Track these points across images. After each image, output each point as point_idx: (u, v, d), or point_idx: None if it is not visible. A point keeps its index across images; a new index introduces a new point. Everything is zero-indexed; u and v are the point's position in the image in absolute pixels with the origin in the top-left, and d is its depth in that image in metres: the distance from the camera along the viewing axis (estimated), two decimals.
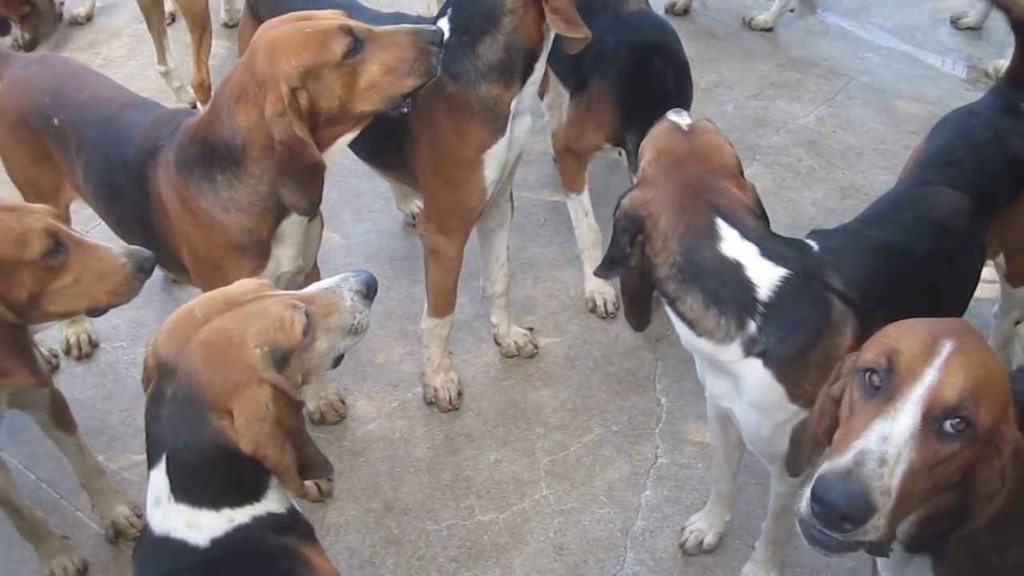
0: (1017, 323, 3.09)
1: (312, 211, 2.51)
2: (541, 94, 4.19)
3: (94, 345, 3.49)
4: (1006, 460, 1.54)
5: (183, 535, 1.73)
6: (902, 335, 1.62)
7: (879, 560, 1.87)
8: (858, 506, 1.46)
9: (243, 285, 1.87)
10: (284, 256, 2.61)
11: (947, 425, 1.52)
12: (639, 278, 2.21)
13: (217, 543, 1.73)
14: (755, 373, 2.10)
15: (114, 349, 3.50)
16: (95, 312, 2.35)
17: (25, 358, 2.20)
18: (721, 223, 2.09)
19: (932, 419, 1.52)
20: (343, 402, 3.25)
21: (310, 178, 2.39)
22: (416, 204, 3.87)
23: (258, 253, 2.56)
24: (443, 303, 3.13)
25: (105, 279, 2.26)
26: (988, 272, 3.54)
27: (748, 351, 2.08)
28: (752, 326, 2.06)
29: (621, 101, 3.10)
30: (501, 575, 2.78)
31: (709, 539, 2.80)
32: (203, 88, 4.25)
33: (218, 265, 2.57)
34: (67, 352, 3.46)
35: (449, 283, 3.08)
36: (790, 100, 4.59)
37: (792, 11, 5.18)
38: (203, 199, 2.48)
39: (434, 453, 3.13)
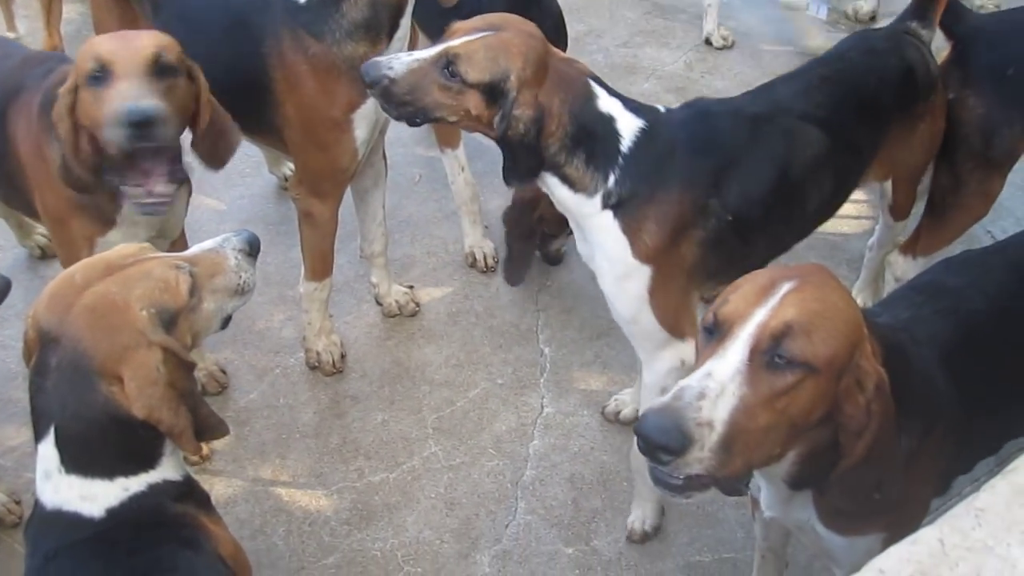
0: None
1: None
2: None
3: None
4: (870, 395, 1.58)
5: (76, 507, 1.69)
6: (744, 282, 1.66)
7: (762, 499, 1.93)
8: (671, 436, 1.49)
9: (123, 249, 1.83)
10: (138, 220, 2.53)
11: (777, 358, 1.54)
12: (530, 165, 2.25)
13: (112, 513, 1.70)
14: (606, 225, 2.27)
15: None
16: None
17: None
18: (592, 83, 2.27)
19: (760, 353, 1.55)
20: (224, 372, 3.20)
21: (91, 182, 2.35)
22: (288, 167, 3.80)
23: (103, 216, 2.50)
24: (320, 266, 3.09)
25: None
26: (858, 208, 3.66)
27: (605, 203, 2.25)
28: (612, 178, 2.24)
29: None
30: (394, 534, 2.79)
31: (626, 412, 3.02)
32: None
33: (63, 219, 2.52)
34: (40, 256, 3.35)
35: (325, 246, 3.05)
36: (659, 47, 4.64)
37: None
38: (54, 148, 2.39)
39: (320, 418, 3.11)
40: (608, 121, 2.24)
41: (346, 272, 3.55)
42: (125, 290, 1.73)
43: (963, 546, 1.16)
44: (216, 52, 2.82)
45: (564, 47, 3.20)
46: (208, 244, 1.97)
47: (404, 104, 2.24)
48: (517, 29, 2.21)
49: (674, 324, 2.38)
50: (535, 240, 3.36)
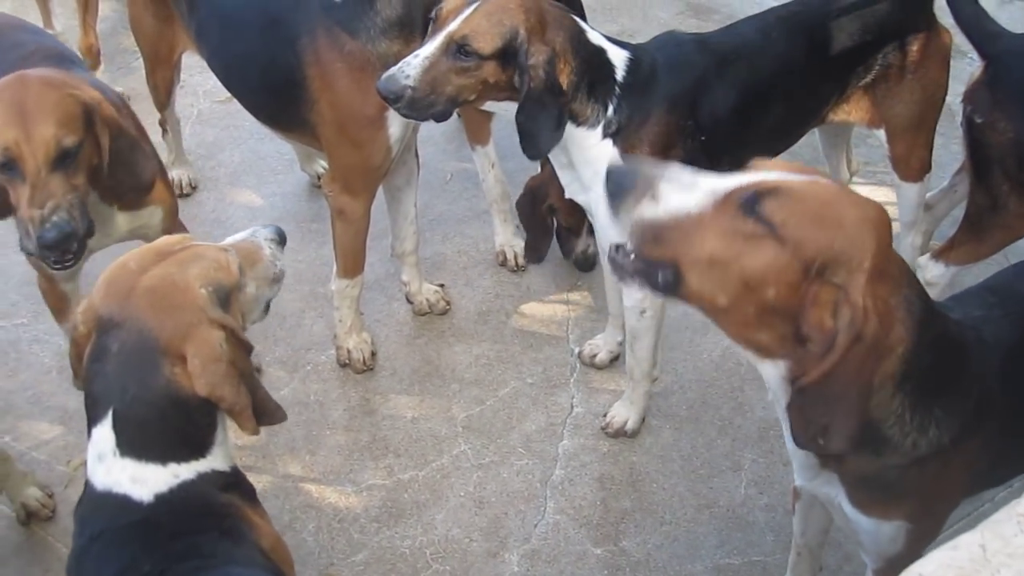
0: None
1: None
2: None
3: None
4: (841, 325, 1.52)
5: (126, 490, 1.71)
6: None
7: (794, 468, 1.97)
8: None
9: (167, 239, 1.88)
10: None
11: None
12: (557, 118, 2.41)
13: (160, 498, 1.72)
14: (606, 152, 2.45)
15: (14, 327, 3.40)
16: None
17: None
18: (576, 20, 2.46)
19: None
20: (259, 369, 3.22)
21: None
22: (321, 165, 3.81)
23: None
24: (352, 264, 3.10)
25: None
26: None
27: (605, 132, 2.45)
28: (610, 108, 2.44)
29: None
30: (422, 531, 2.79)
31: (601, 356, 3.19)
32: (92, 52, 4.12)
33: None
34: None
35: (357, 243, 3.05)
36: None
37: None
38: None
39: (350, 415, 3.11)
40: (601, 53, 2.44)
41: (377, 270, 3.55)
42: (183, 271, 1.78)
43: (1005, 552, 1.14)
44: (250, 50, 2.84)
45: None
46: (241, 235, 2.02)
47: (430, 105, 2.35)
48: None
49: None
50: (550, 227, 3.44)
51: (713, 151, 2.56)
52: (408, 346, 3.32)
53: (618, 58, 2.46)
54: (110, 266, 1.82)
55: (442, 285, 3.45)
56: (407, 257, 3.33)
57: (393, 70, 2.32)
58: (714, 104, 2.58)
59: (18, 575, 2.73)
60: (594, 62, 2.42)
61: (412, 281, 3.40)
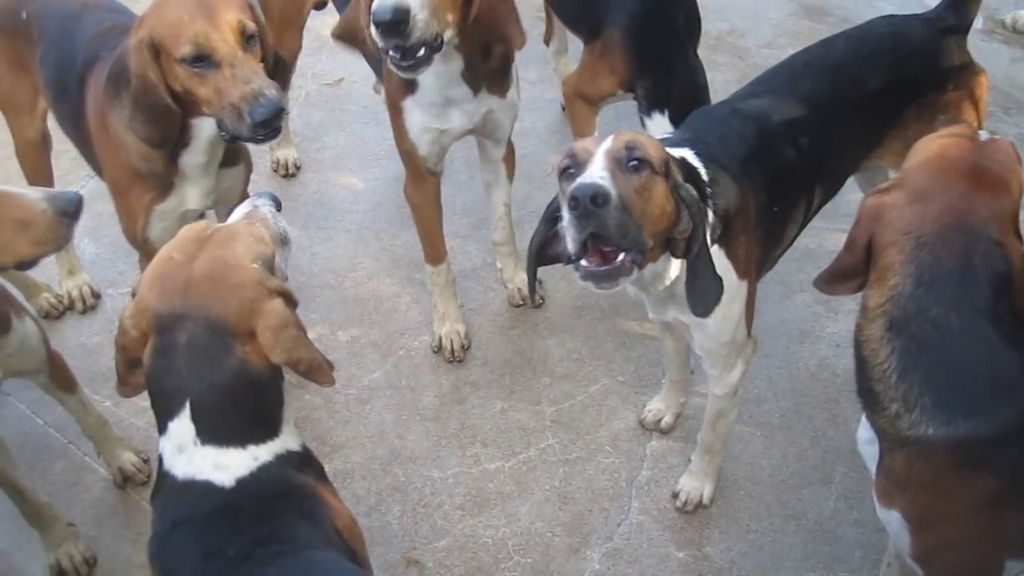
0: None
1: (159, 146, 2.47)
2: (546, 40, 4.15)
3: (96, 296, 3.48)
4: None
5: (208, 476, 1.75)
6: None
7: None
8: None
9: (195, 226, 1.90)
10: (190, 193, 2.63)
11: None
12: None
13: (241, 483, 1.75)
14: (715, 260, 2.20)
15: (121, 295, 3.50)
16: (24, 266, 2.14)
17: None
18: None
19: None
20: None
21: (159, 117, 2.39)
22: None
23: (159, 184, 2.58)
24: (430, 250, 3.17)
25: (27, 229, 2.06)
26: None
27: (712, 239, 2.18)
28: (711, 214, 2.17)
29: (634, 47, 3.06)
30: (506, 523, 2.80)
31: (667, 419, 3.00)
32: None
33: (124, 188, 2.62)
34: (70, 307, 3.44)
35: (426, 229, 3.13)
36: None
37: None
38: (113, 116, 2.49)
39: (440, 401, 3.14)
40: (686, 163, 2.19)
41: (475, 259, 3.57)
42: (231, 251, 1.81)
43: None
44: None
45: (696, 41, 3.16)
46: (240, 210, 2.03)
47: (626, 226, 1.90)
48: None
49: (750, 327, 2.47)
50: None
51: (779, 220, 2.46)
52: (501, 337, 3.33)
53: (694, 160, 2.22)
54: (152, 265, 1.83)
55: (540, 281, 3.44)
56: (500, 247, 3.36)
57: (589, 178, 1.89)
58: (770, 170, 2.39)
59: (113, 536, 2.82)
60: (692, 176, 2.15)
61: (505, 270, 3.41)
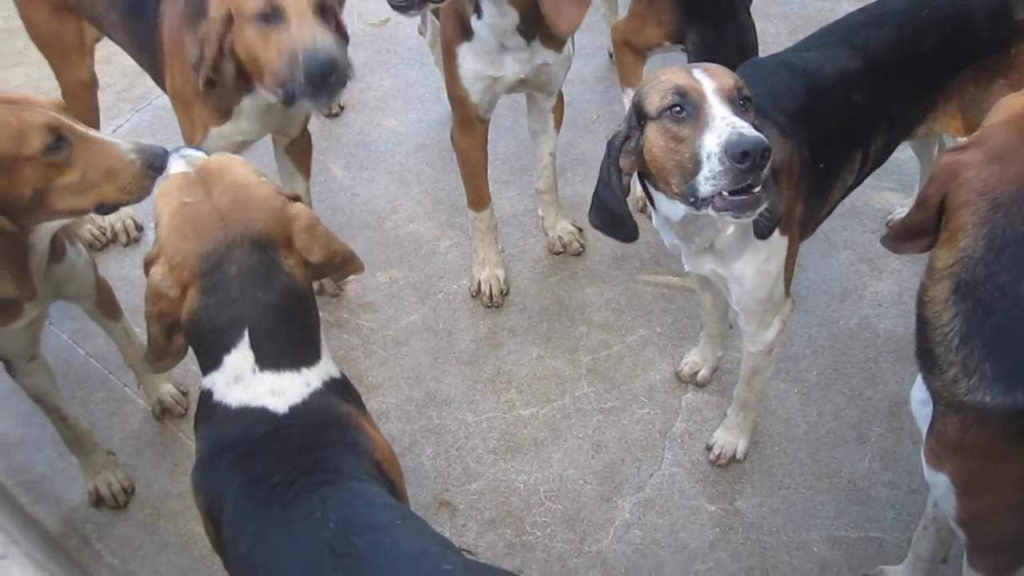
0: None
1: (210, 88, 2.54)
2: None
3: (140, 229, 3.51)
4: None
5: (264, 403, 1.78)
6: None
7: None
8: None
9: (175, 175, 1.91)
10: (247, 125, 2.71)
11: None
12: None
13: (294, 410, 1.78)
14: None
15: None
16: (104, 209, 2.21)
17: (11, 268, 2.09)
18: None
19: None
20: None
21: (218, 76, 2.49)
22: None
23: (220, 108, 2.65)
24: (473, 196, 3.16)
25: (114, 176, 2.14)
26: None
27: None
28: None
29: (682, 0, 3.00)
30: (538, 468, 2.81)
31: (703, 372, 2.99)
32: None
33: (188, 103, 2.69)
34: (114, 239, 3.48)
35: (470, 175, 3.12)
36: (856, 2, 4.43)
37: None
38: (189, 37, 2.52)
39: (477, 346, 3.14)
40: None
41: (516, 205, 3.56)
42: (239, 176, 1.87)
43: None
44: None
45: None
46: (178, 162, 1.98)
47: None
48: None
49: (789, 285, 2.43)
50: None
51: (825, 179, 2.43)
52: (540, 283, 3.33)
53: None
54: (166, 220, 1.81)
55: (580, 229, 3.42)
56: (542, 195, 3.34)
57: (729, 132, 1.90)
58: (818, 129, 2.36)
59: (151, 466, 2.86)
60: None
61: (547, 217, 3.40)
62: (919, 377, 1.94)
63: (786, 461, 2.79)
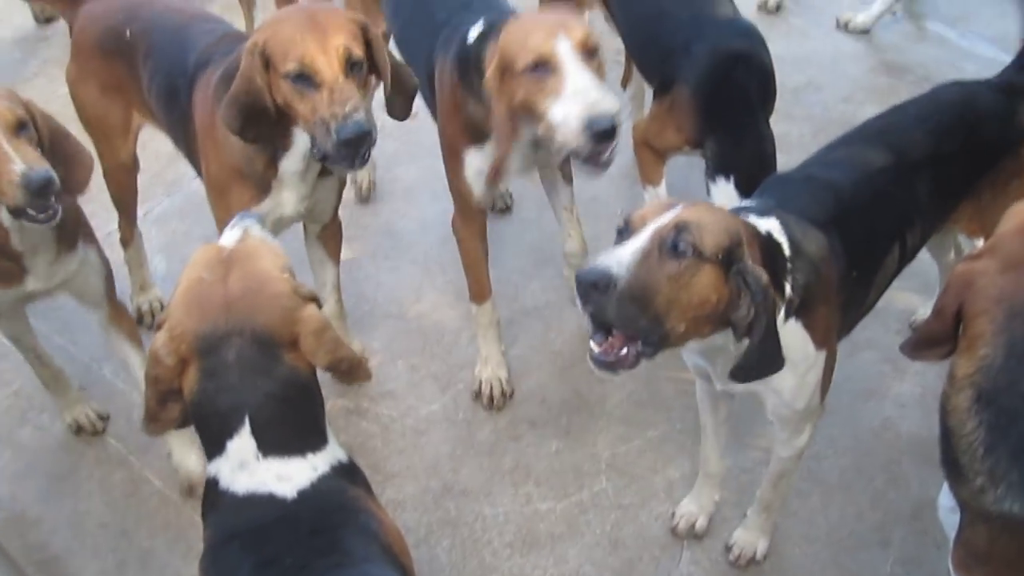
0: None
1: (240, 134, 2.55)
2: (624, 83, 4.16)
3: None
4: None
5: (271, 488, 1.76)
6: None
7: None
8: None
9: (210, 248, 1.93)
10: (287, 198, 2.74)
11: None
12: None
13: (303, 495, 1.77)
14: (791, 332, 2.15)
15: None
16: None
17: None
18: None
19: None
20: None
21: (253, 115, 2.50)
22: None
23: (259, 185, 2.70)
24: (474, 288, 3.18)
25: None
26: None
27: (788, 313, 2.14)
28: (788, 287, 2.12)
29: (702, 108, 3.04)
30: (554, 564, 2.78)
31: (700, 522, 2.84)
32: None
33: (224, 187, 2.74)
34: (140, 321, 3.47)
35: (471, 264, 3.15)
36: (880, 106, 4.42)
37: (894, 14, 5.06)
38: (220, 118, 2.57)
39: (496, 437, 3.13)
40: (770, 238, 2.12)
41: (538, 297, 3.57)
42: (259, 266, 1.85)
43: None
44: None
45: (770, 109, 3.13)
46: (234, 232, 2.01)
47: (634, 316, 1.90)
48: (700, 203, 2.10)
49: (825, 394, 2.41)
50: None
51: (858, 285, 2.41)
52: (560, 377, 3.32)
53: (776, 232, 2.15)
54: (180, 290, 1.84)
55: None
56: (570, 258, 3.39)
57: (596, 258, 1.92)
58: (848, 237, 2.33)
59: (165, 549, 2.85)
60: (773, 252, 2.09)
61: (570, 278, 3.41)
62: (946, 484, 1.91)
63: (807, 563, 2.75)
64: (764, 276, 1.96)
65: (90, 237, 2.73)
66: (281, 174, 2.68)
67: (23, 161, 2.33)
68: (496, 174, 2.74)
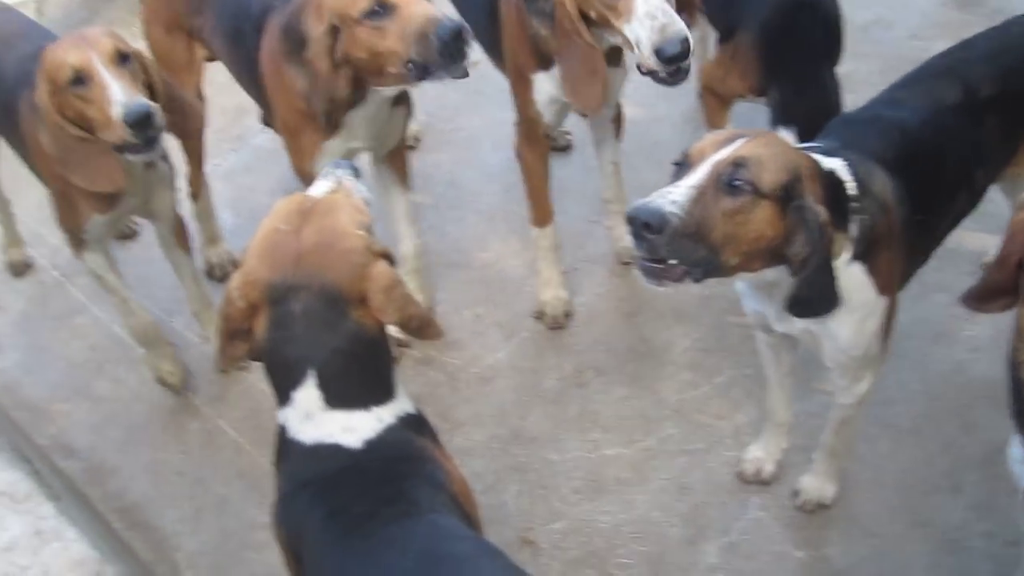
0: None
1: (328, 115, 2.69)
2: (688, 26, 4.10)
3: (235, 264, 3.58)
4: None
5: (337, 439, 1.80)
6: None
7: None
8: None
9: (294, 198, 1.94)
10: (357, 134, 2.84)
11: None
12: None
13: (369, 444, 1.80)
14: (854, 275, 2.13)
15: None
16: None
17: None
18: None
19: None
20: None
21: (332, 101, 2.63)
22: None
23: (330, 122, 2.75)
24: (537, 212, 3.20)
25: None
26: None
27: (854, 255, 2.11)
28: (853, 229, 2.09)
29: (765, 56, 2.99)
30: (622, 509, 2.80)
31: (768, 468, 2.83)
32: None
33: (295, 128, 2.82)
34: (209, 273, 3.58)
35: (534, 188, 3.17)
36: (951, 42, 4.29)
37: None
38: (291, 66, 2.67)
39: (562, 385, 3.15)
40: (833, 175, 2.08)
41: (603, 245, 3.56)
42: (336, 221, 1.85)
43: None
44: None
45: (836, 57, 3.07)
46: (326, 180, 2.04)
47: (691, 251, 1.89)
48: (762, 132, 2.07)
49: (887, 343, 2.38)
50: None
51: (921, 230, 2.36)
52: (626, 323, 3.32)
53: (842, 171, 2.11)
54: (257, 237, 1.87)
55: None
56: (609, 205, 3.43)
57: (651, 196, 1.89)
58: (913, 179, 2.28)
59: (240, 497, 2.93)
60: (836, 191, 2.06)
61: (615, 227, 3.46)
62: (1016, 435, 1.89)
63: (876, 508, 2.73)
64: (823, 213, 1.94)
65: (164, 153, 2.84)
66: (352, 118, 2.76)
67: (123, 92, 2.44)
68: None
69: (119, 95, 2.46)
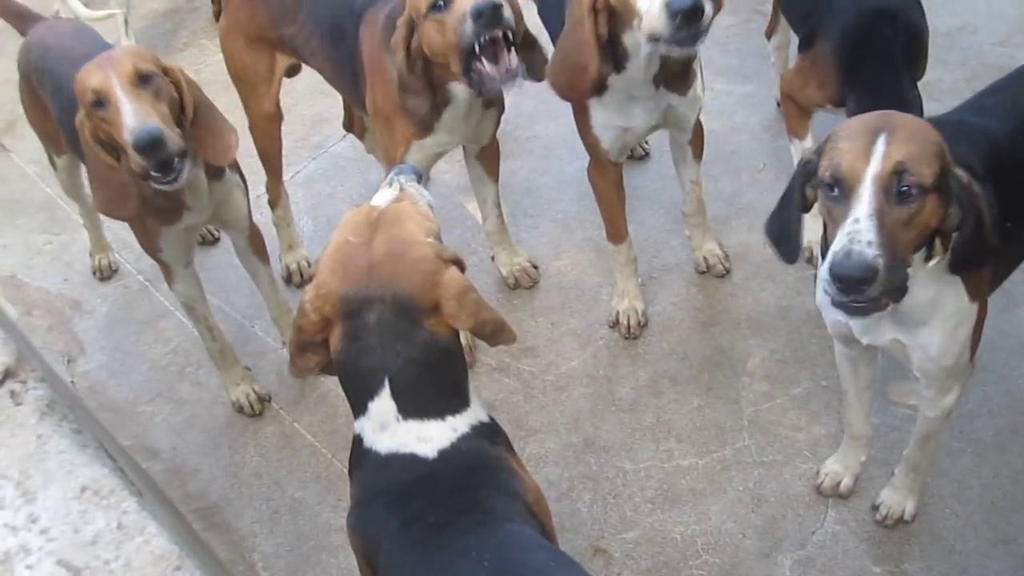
0: None
1: (424, 113, 2.79)
2: (768, 34, 4.06)
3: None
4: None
5: (412, 449, 1.80)
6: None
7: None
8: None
9: (361, 210, 1.95)
10: (447, 134, 2.91)
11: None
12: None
13: (443, 454, 1.80)
14: (947, 283, 2.11)
15: None
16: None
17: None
18: None
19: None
20: (535, 267, 3.53)
21: (418, 92, 2.74)
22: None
23: (422, 122, 2.85)
24: (611, 229, 3.24)
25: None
26: None
27: (951, 266, 2.08)
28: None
29: (844, 65, 2.94)
30: (696, 520, 2.77)
31: (846, 482, 2.78)
32: None
33: (389, 119, 2.91)
34: (288, 280, 3.63)
35: (607, 211, 3.20)
36: None
37: None
38: (388, 57, 2.75)
39: (636, 394, 3.13)
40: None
41: (679, 254, 3.54)
42: (404, 230, 1.86)
43: None
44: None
45: (918, 68, 3.00)
46: (388, 190, 2.04)
47: (901, 279, 1.91)
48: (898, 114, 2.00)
49: (975, 352, 2.32)
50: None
51: (1013, 235, 2.26)
52: (702, 333, 3.30)
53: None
54: (328, 250, 1.88)
55: (727, 255, 3.48)
56: (689, 219, 3.42)
57: (844, 245, 1.82)
58: (1002, 185, 2.20)
59: (316, 500, 2.96)
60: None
61: (694, 238, 3.48)
62: None
63: (958, 524, 2.67)
64: (964, 176, 1.94)
65: (233, 163, 2.85)
66: (443, 119, 2.85)
67: (133, 116, 2.42)
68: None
69: (129, 119, 2.40)
